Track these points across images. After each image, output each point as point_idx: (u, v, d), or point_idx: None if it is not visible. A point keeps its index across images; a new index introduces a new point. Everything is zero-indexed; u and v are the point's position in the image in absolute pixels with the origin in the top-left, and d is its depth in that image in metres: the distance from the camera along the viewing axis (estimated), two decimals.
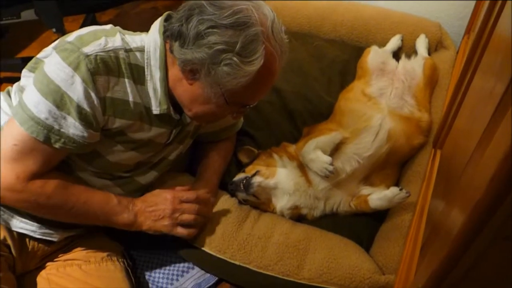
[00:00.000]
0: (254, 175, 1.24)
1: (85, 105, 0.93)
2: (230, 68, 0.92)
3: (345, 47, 1.90)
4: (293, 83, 1.65)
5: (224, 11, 0.91)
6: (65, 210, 1.02)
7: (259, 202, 1.27)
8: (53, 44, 1.01)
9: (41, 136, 0.92)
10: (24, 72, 1.04)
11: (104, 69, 0.93)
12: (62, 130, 0.93)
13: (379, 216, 1.28)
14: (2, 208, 1.04)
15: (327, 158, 1.19)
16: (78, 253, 1.16)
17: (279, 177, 1.26)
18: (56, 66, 0.91)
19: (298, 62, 1.75)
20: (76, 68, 0.91)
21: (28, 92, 0.94)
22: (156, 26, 1.03)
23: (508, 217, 0.43)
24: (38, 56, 1.02)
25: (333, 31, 1.95)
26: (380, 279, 1.09)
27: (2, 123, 1.04)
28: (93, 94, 0.93)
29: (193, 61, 0.94)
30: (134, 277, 1.22)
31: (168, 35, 0.99)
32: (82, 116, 0.93)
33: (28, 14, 1.80)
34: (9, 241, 1.07)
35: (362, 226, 1.27)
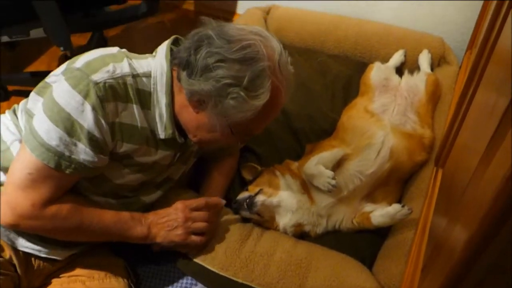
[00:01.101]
0: (257, 193, 1.24)
1: (95, 132, 0.94)
2: (236, 102, 0.94)
3: (349, 63, 1.91)
4: (297, 99, 1.65)
5: (233, 45, 0.93)
6: (81, 231, 1.03)
7: (263, 220, 1.26)
8: (61, 68, 1.02)
9: (52, 163, 0.93)
10: (33, 95, 1.05)
11: (113, 96, 0.95)
12: (73, 156, 0.94)
13: (382, 234, 1.28)
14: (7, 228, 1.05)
15: (329, 173, 1.19)
16: (82, 270, 1.15)
17: (282, 196, 1.25)
18: (66, 94, 0.92)
19: (301, 78, 1.76)
20: (86, 96, 0.92)
21: (38, 118, 0.95)
22: (163, 51, 1.04)
23: (504, 250, 0.42)
24: (47, 80, 1.03)
25: (336, 46, 1.97)
26: None
27: (8, 142, 1.05)
28: (102, 121, 0.94)
29: (200, 92, 0.95)
30: None
31: (176, 63, 1.01)
32: (92, 142, 0.94)
33: (36, 32, 1.83)
34: (15, 261, 1.07)
35: (365, 244, 1.27)
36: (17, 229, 1.03)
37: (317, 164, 1.21)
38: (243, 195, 1.24)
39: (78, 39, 2.49)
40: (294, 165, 1.34)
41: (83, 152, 0.95)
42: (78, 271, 1.15)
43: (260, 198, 1.22)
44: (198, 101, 0.98)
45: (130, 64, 0.99)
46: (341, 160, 1.27)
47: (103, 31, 2.52)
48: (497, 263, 0.45)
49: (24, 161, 0.95)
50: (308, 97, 1.67)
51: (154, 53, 1.08)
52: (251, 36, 0.96)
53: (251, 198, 1.22)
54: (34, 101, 1.03)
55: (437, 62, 1.86)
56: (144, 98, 1.01)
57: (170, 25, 2.86)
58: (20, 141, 1.05)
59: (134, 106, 0.99)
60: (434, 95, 1.60)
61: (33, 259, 1.10)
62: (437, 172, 1.28)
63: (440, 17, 2.03)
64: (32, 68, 2.40)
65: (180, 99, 1.02)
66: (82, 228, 1.03)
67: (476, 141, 0.72)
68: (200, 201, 1.15)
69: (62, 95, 0.92)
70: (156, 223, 1.11)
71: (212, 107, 0.96)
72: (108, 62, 0.96)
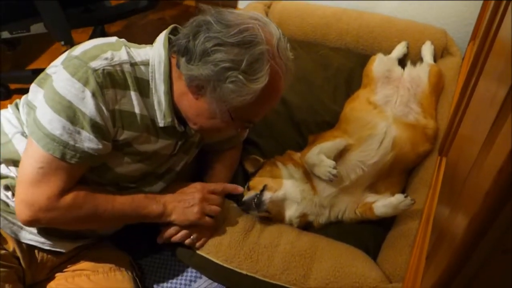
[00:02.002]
0: (262, 190, 1.23)
1: (97, 118, 0.94)
2: (235, 85, 0.93)
3: (351, 55, 1.91)
4: (299, 91, 1.65)
5: (231, 29, 0.93)
6: (98, 216, 1.04)
7: (271, 216, 1.26)
8: (60, 58, 1.02)
9: (58, 152, 0.94)
10: (33, 86, 1.05)
11: (111, 83, 0.95)
12: (77, 145, 0.95)
13: (386, 224, 1.28)
14: (10, 220, 1.06)
15: (331, 162, 1.19)
16: (87, 263, 1.17)
17: (286, 187, 1.25)
18: (65, 82, 0.93)
19: (303, 71, 1.76)
20: (85, 83, 0.92)
21: (41, 109, 0.95)
22: (161, 39, 1.04)
23: (506, 229, 0.43)
24: (47, 71, 1.03)
25: (338, 39, 1.96)
26: (387, 287, 1.08)
27: (9, 134, 1.06)
28: (103, 107, 0.95)
29: (199, 77, 0.95)
30: (142, 287, 1.22)
31: (175, 50, 1.01)
32: (95, 128, 0.95)
33: (37, 28, 1.83)
34: (19, 253, 1.08)
35: (369, 234, 1.27)
36: (38, 225, 1.04)
37: (319, 153, 1.21)
38: (249, 195, 1.23)
39: (79, 36, 2.50)
40: (297, 155, 1.34)
41: (87, 139, 0.95)
42: (82, 264, 1.17)
43: (267, 196, 1.21)
44: (197, 87, 0.98)
45: (128, 53, 0.99)
46: (344, 150, 1.27)
47: (104, 28, 2.52)
48: (498, 246, 0.45)
49: (32, 155, 0.96)
50: (310, 90, 1.67)
51: (153, 44, 1.08)
52: (249, 20, 0.96)
53: (259, 197, 1.21)
54: (35, 93, 1.03)
55: (440, 54, 1.85)
56: (143, 86, 1.01)
57: (171, 21, 2.86)
58: (22, 134, 1.06)
59: (133, 93, 1.00)
60: (437, 86, 1.60)
61: (36, 251, 1.11)
62: (441, 161, 1.29)
63: (443, 9, 2.02)
64: (34, 66, 2.40)
65: (180, 86, 1.02)
66: (98, 214, 1.04)
67: (477, 130, 0.73)
68: (218, 185, 1.19)
69: (62, 84, 0.93)
70: (172, 201, 1.13)
71: (211, 92, 0.96)
72: (106, 50, 0.96)
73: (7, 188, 1.06)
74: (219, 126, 1.05)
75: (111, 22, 2.46)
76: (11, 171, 1.06)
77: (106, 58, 0.95)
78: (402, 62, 1.77)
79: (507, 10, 0.82)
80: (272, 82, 0.97)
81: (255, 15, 0.99)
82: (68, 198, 0.99)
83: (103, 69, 0.93)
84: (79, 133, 0.94)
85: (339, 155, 1.26)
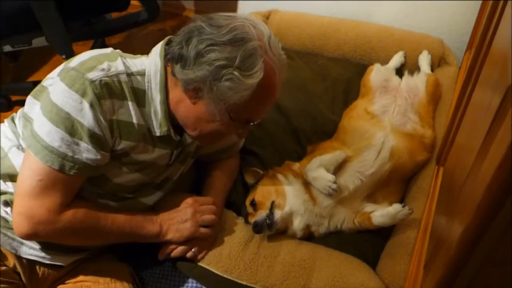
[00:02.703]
0: (271, 208, 1.23)
1: (95, 129, 0.95)
2: (231, 82, 0.95)
3: (349, 65, 1.92)
4: (297, 101, 1.66)
5: (222, 29, 0.95)
6: (97, 233, 1.05)
7: (279, 232, 1.26)
8: (56, 71, 1.03)
9: (56, 164, 0.94)
10: (29, 99, 1.05)
11: (109, 93, 0.96)
12: (76, 156, 0.95)
13: (385, 233, 1.28)
14: (10, 236, 1.06)
15: (331, 177, 1.19)
16: (87, 275, 1.16)
17: (290, 201, 1.25)
18: (63, 94, 0.93)
19: (302, 81, 1.77)
20: (83, 94, 0.93)
21: (38, 121, 0.96)
22: (157, 49, 1.05)
23: (497, 243, 0.43)
24: (43, 83, 1.04)
25: (336, 49, 1.98)
26: None
27: (5, 149, 1.06)
28: (101, 118, 0.95)
29: (195, 79, 0.96)
30: None
31: (169, 58, 1.02)
32: (93, 139, 0.96)
33: (39, 41, 1.85)
34: (19, 269, 1.08)
35: (368, 244, 1.27)
36: (36, 238, 1.04)
37: (319, 166, 1.22)
38: (260, 215, 1.22)
39: (80, 48, 2.52)
40: (295, 165, 1.35)
41: (85, 150, 0.96)
42: (83, 277, 1.16)
43: (278, 215, 1.21)
44: (194, 90, 0.99)
45: (124, 63, 1.00)
46: (342, 161, 1.28)
47: (104, 39, 2.54)
48: (492, 254, 0.46)
49: (31, 167, 0.96)
50: (308, 99, 1.68)
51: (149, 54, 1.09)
52: (239, 20, 0.98)
53: (271, 217, 1.20)
54: (31, 105, 1.03)
55: (437, 63, 1.87)
56: (139, 96, 1.02)
57: (171, 32, 2.88)
58: (18, 147, 1.06)
59: (130, 103, 1.00)
60: (435, 96, 1.61)
61: (37, 266, 1.11)
62: (438, 170, 1.29)
63: (440, 19, 2.04)
64: (35, 78, 2.42)
65: (176, 94, 1.03)
66: (98, 230, 1.04)
67: (473, 138, 0.73)
68: (208, 197, 1.22)
69: (59, 96, 0.93)
70: (167, 219, 1.14)
71: (208, 92, 0.97)
72: (102, 60, 0.97)
73: (6, 204, 1.06)
74: (219, 129, 1.05)
75: (111, 35, 2.48)
76: (8, 186, 1.06)
77: (103, 69, 0.96)
78: (399, 72, 1.78)
79: (501, 20, 0.83)
80: (267, 78, 0.98)
81: (244, 16, 1.01)
82: (69, 213, 1.00)
83: (100, 80, 0.94)
84: (77, 144, 0.95)
85: (338, 167, 1.27)
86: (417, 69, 1.80)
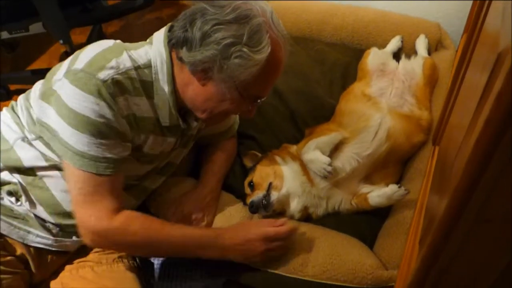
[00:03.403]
0: (268, 189, 1.24)
1: (117, 126, 0.97)
2: (241, 59, 0.96)
3: (346, 50, 1.93)
4: (295, 86, 1.68)
5: (225, 9, 0.96)
6: (153, 245, 1.06)
7: (276, 214, 1.28)
8: (61, 69, 1.01)
9: (93, 168, 0.96)
10: (38, 101, 1.03)
11: (121, 90, 0.97)
12: (106, 155, 0.97)
13: (382, 214, 1.30)
14: (16, 225, 1.07)
15: (326, 159, 1.21)
16: (90, 255, 1.19)
17: (287, 182, 1.27)
18: (78, 98, 0.93)
19: (299, 66, 1.78)
20: (98, 95, 0.93)
21: (61, 129, 0.96)
22: (160, 38, 1.05)
23: (486, 199, 0.46)
24: (52, 86, 1.00)
25: (333, 34, 1.98)
26: (383, 274, 1.11)
27: (10, 141, 1.07)
28: (119, 114, 0.97)
29: (203, 60, 0.97)
30: (144, 277, 1.25)
31: (174, 43, 1.02)
32: (118, 135, 0.98)
33: (36, 27, 1.86)
34: (27, 257, 1.09)
35: (365, 224, 1.29)
36: (100, 247, 1.10)
37: (315, 149, 1.24)
38: (258, 195, 1.23)
39: (78, 37, 2.52)
40: (293, 148, 1.37)
41: (113, 147, 0.98)
42: (86, 257, 1.18)
43: (274, 196, 1.23)
44: (203, 71, 1.00)
45: (130, 57, 1.01)
46: (339, 143, 1.29)
47: (102, 28, 2.54)
48: (480, 216, 0.48)
49: (71, 177, 0.98)
50: (306, 84, 1.69)
51: (148, 40, 1.09)
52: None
53: (266, 198, 1.22)
54: (42, 109, 1.02)
55: (434, 47, 1.87)
56: (148, 88, 1.03)
57: (168, 20, 2.87)
58: (23, 139, 1.06)
59: (141, 98, 1.02)
60: (431, 79, 1.62)
61: (45, 253, 1.12)
62: (434, 150, 1.31)
63: (437, 3, 2.03)
64: (33, 67, 2.43)
65: (183, 78, 1.04)
66: (149, 243, 1.05)
67: (463, 117, 0.75)
68: (283, 231, 1.10)
69: (75, 100, 0.94)
70: (234, 249, 1.09)
71: (218, 72, 0.98)
72: (109, 57, 0.98)
73: (10, 193, 1.07)
74: (229, 108, 1.07)
75: (108, 21, 2.49)
76: (14, 177, 1.07)
77: (112, 67, 0.96)
78: (396, 56, 1.79)
79: (491, 2, 0.84)
80: (274, 52, 1.00)
81: None
82: (121, 217, 1.01)
83: (112, 78, 0.95)
84: (105, 144, 0.96)
85: (335, 148, 1.28)
86: (415, 53, 1.81)
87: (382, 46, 1.86)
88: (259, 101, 1.12)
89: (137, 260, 1.25)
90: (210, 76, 1.00)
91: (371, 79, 1.57)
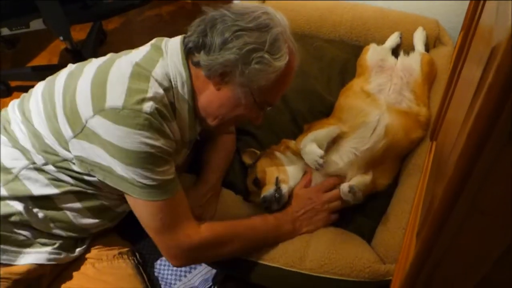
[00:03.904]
0: (277, 183, 1.25)
1: (170, 149, 1.00)
2: (261, 65, 1.00)
3: (345, 47, 1.93)
4: (294, 82, 1.65)
5: (246, 16, 1.00)
6: (239, 241, 1.11)
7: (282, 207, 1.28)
8: (88, 109, 0.96)
9: (164, 195, 0.98)
10: (75, 142, 0.99)
11: (164, 118, 0.99)
12: (169, 177, 0.99)
13: (381, 209, 1.31)
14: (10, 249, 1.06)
15: (319, 152, 1.22)
16: (91, 251, 1.20)
17: (292, 175, 1.28)
18: (130, 137, 0.93)
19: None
20: (149, 128, 0.94)
21: (120, 169, 0.95)
22: (178, 55, 1.04)
23: (479, 191, 0.47)
24: (86, 124, 0.96)
25: (332, 31, 1.99)
26: (380, 268, 1.12)
27: (14, 171, 1.05)
28: (169, 139, 1.00)
29: (224, 63, 1.00)
30: (145, 274, 1.26)
31: (190, 47, 1.04)
32: (172, 155, 1.01)
33: (36, 24, 1.87)
34: (27, 275, 1.08)
35: (363, 218, 1.30)
36: (192, 264, 1.17)
37: (312, 141, 1.25)
38: (268, 191, 1.24)
39: (78, 34, 2.52)
40: (292, 143, 1.37)
41: (173, 167, 1.01)
42: (87, 255, 1.20)
43: (285, 189, 1.24)
44: (222, 75, 1.02)
45: (156, 81, 1.00)
46: (337, 137, 1.30)
47: (102, 25, 2.55)
48: (473, 208, 0.49)
49: (146, 210, 1.00)
50: (305, 81, 1.70)
51: (154, 47, 1.08)
52: (259, 8, 1.03)
53: (279, 191, 1.23)
54: (85, 149, 0.98)
55: (432, 44, 1.88)
56: (173, 110, 1.05)
57: (168, 18, 2.88)
58: (28, 167, 1.04)
59: (174, 121, 1.04)
60: (430, 75, 1.63)
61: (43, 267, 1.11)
62: (432, 146, 1.32)
63: (435, 1, 2.04)
64: (34, 63, 2.43)
65: (197, 86, 1.06)
66: (238, 238, 1.10)
67: (459, 112, 0.76)
68: (328, 181, 1.24)
69: (128, 140, 0.93)
70: (297, 218, 1.20)
71: (239, 76, 1.01)
72: (144, 88, 0.97)
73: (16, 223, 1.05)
74: (241, 114, 1.09)
75: (108, 18, 2.49)
76: (17, 205, 1.05)
77: (151, 98, 0.96)
78: (395, 53, 1.80)
79: None
80: (290, 61, 1.05)
81: (259, 5, 1.07)
82: (204, 227, 1.05)
83: (156, 108, 0.96)
84: (166, 170, 0.99)
85: (333, 142, 1.29)
86: (413, 48, 1.82)
87: (380, 42, 1.87)
88: (268, 108, 1.16)
89: (137, 256, 1.27)
90: (228, 81, 1.03)
91: (370, 75, 1.58)
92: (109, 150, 0.95)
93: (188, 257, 1.06)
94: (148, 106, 0.95)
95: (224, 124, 1.13)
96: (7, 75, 2.20)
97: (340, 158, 1.27)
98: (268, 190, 1.24)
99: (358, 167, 1.28)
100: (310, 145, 1.24)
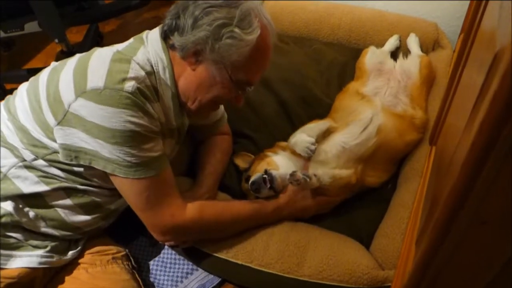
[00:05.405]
0: (266, 171, 1.23)
1: (154, 127, 1.00)
2: (232, 40, 0.99)
3: (343, 50, 1.93)
4: (292, 85, 1.67)
5: None
6: (226, 221, 1.15)
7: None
8: (70, 94, 0.96)
9: (149, 172, 0.98)
10: (59, 129, 0.98)
11: (146, 98, 0.99)
12: (155, 154, 1.00)
13: (379, 214, 1.30)
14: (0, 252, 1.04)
15: (309, 139, 1.22)
16: (84, 257, 1.19)
17: (281, 165, 1.26)
18: (113, 116, 0.93)
19: (296, 65, 1.78)
20: (132, 107, 0.94)
21: (104, 149, 0.95)
22: (158, 42, 1.06)
23: (482, 200, 0.45)
24: (68, 109, 0.96)
25: (331, 34, 1.98)
26: (378, 274, 1.11)
27: (3, 170, 1.04)
28: (152, 118, 1.00)
29: (196, 41, 1.00)
30: (140, 279, 1.24)
31: (165, 31, 1.05)
32: (157, 133, 1.01)
33: (31, 26, 1.86)
34: (18, 279, 1.07)
35: (362, 224, 1.29)
36: (180, 240, 1.13)
37: (302, 132, 1.26)
38: (257, 175, 1.22)
39: (74, 36, 2.51)
40: (284, 143, 1.38)
41: (159, 144, 1.01)
42: (80, 260, 1.18)
43: (275, 173, 1.22)
44: (194, 53, 1.02)
45: (138, 64, 1.01)
46: (328, 132, 1.31)
47: (98, 27, 2.53)
48: (476, 218, 0.48)
49: (132, 188, 1.00)
50: (303, 84, 1.69)
51: (137, 40, 1.09)
52: None
53: (270, 173, 1.21)
54: (68, 135, 0.98)
55: (431, 47, 1.87)
56: (156, 94, 1.05)
57: None
58: (16, 165, 1.03)
59: (157, 103, 1.04)
60: (428, 77, 1.62)
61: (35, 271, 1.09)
62: (431, 151, 1.31)
63: (434, 2, 2.04)
64: (29, 66, 2.42)
65: (177, 69, 1.06)
66: (226, 219, 1.14)
67: (460, 117, 0.75)
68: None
69: (112, 119, 0.93)
70: (284, 202, 1.23)
71: (209, 52, 1.01)
72: (125, 69, 0.97)
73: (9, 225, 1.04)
74: (219, 94, 1.09)
75: (104, 20, 2.48)
76: (8, 206, 1.03)
77: (133, 78, 0.96)
78: (394, 56, 1.79)
79: (488, 2, 0.84)
80: (263, 36, 1.04)
81: None
82: (192, 210, 1.06)
83: (137, 88, 0.96)
84: (152, 147, 0.99)
85: (323, 136, 1.31)
86: (409, 52, 1.81)
87: (379, 45, 1.86)
88: (248, 88, 1.14)
89: (132, 261, 1.25)
90: (201, 60, 1.03)
91: (368, 78, 1.57)
92: (93, 133, 0.95)
93: (172, 235, 1.08)
94: (129, 85, 0.95)
95: (203, 107, 1.12)
96: (2, 78, 2.18)
97: (329, 148, 1.27)
98: (257, 175, 1.23)
99: (345, 160, 1.27)
100: (300, 135, 1.26)
